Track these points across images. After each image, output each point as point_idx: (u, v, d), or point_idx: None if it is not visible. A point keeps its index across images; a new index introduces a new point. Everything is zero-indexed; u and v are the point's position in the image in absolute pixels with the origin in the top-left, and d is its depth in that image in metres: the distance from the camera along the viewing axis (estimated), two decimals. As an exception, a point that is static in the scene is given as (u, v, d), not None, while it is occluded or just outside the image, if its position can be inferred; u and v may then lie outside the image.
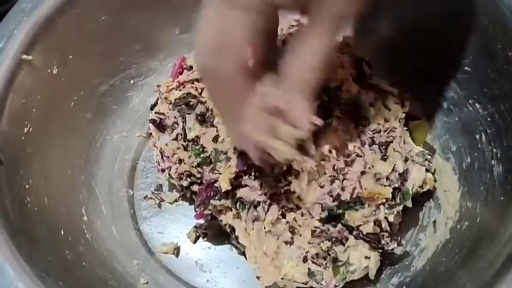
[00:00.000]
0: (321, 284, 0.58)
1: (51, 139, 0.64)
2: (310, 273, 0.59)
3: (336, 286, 0.58)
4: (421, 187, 0.62)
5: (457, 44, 0.63)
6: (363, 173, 0.60)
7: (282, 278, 0.59)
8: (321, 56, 0.44)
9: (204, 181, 0.63)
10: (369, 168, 0.60)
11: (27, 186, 0.59)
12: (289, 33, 0.69)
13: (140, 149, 0.73)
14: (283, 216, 0.60)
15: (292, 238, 0.60)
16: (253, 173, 0.59)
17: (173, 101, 0.66)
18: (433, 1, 0.65)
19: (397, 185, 0.60)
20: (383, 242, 0.60)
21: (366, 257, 0.59)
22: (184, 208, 0.69)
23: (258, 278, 0.61)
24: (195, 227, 0.65)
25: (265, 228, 0.60)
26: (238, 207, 0.60)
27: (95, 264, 0.61)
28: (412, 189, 0.61)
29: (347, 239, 0.59)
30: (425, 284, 0.58)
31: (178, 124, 0.65)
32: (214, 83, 0.47)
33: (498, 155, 0.59)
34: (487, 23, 0.60)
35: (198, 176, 0.63)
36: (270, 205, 0.60)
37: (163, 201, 0.69)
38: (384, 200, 0.59)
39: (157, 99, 0.70)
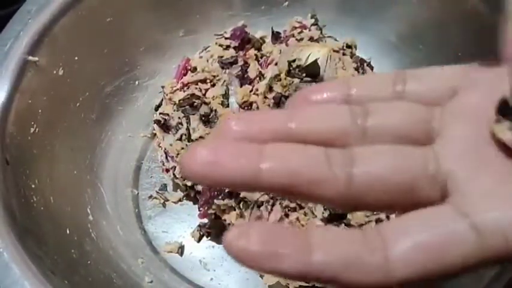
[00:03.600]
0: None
1: (57, 139, 0.64)
2: (313, 272, 0.59)
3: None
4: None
5: (458, 45, 0.64)
6: (365, 172, 0.60)
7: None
8: None
9: (208, 181, 0.63)
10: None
11: (33, 186, 0.59)
12: (292, 34, 0.69)
13: (145, 149, 0.73)
14: (286, 216, 0.60)
15: (295, 237, 0.60)
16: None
17: (177, 102, 0.67)
18: (435, 3, 0.66)
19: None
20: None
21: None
22: (188, 207, 0.69)
23: (261, 276, 0.61)
24: (199, 226, 0.66)
25: (268, 227, 0.60)
26: (241, 207, 0.61)
27: (100, 262, 0.61)
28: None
29: (349, 238, 0.59)
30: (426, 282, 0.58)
31: (182, 125, 0.66)
32: None
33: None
34: (488, 24, 0.60)
35: (202, 175, 0.64)
36: (273, 205, 0.60)
37: (167, 200, 0.69)
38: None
39: (162, 100, 0.70)
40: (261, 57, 0.69)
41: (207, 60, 0.70)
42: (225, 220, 0.62)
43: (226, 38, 0.71)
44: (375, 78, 0.33)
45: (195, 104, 0.66)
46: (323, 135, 0.30)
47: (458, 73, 0.33)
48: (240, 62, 0.68)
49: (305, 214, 0.60)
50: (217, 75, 0.68)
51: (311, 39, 0.68)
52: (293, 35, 0.69)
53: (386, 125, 0.30)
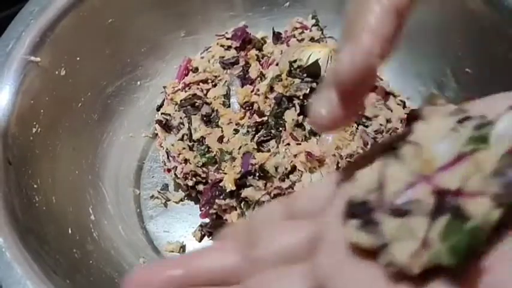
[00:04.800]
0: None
1: (59, 140, 0.64)
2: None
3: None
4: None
5: (458, 46, 0.64)
6: (365, 172, 0.60)
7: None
8: None
9: (209, 181, 0.63)
10: (372, 168, 0.60)
11: (35, 186, 0.60)
12: (293, 34, 0.70)
13: (146, 149, 0.73)
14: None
15: (296, 237, 0.60)
16: (257, 173, 0.60)
17: (179, 102, 0.67)
18: (434, 4, 0.66)
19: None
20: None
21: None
22: (189, 207, 0.69)
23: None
24: (201, 226, 0.66)
25: (269, 227, 0.60)
26: (242, 207, 0.61)
27: (102, 262, 0.61)
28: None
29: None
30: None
31: (184, 125, 0.66)
32: None
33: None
34: (488, 25, 0.60)
35: (204, 175, 0.64)
36: (274, 204, 0.60)
37: (169, 200, 0.70)
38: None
39: (163, 100, 0.70)
40: (262, 58, 0.69)
41: (209, 61, 0.70)
42: (226, 220, 0.62)
43: (227, 39, 0.71)
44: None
45: (197, 104, 0.66)
46: (216, 276, 0.33)
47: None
48: (241, 63, 0.68)
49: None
50: (219, 76, 0.68)
51: (312, 39, 0.69)
52: (294, 36, 0.70)
53: (272, 251, 0.32)
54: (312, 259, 0.31)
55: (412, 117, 0.32)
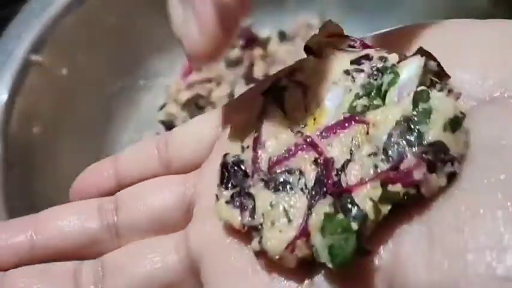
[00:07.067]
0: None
1: (61, 140, 0.64)
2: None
3: None
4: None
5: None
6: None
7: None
8: None
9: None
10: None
11: (37, 188, 0.59)
12: (298, 34, 0.69)
13: (149, 150, 0.73)
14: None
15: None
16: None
17: (182, 102, 0.67)
18: (441, 2, 0.66)
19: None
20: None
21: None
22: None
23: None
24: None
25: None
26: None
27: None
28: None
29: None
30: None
31: (187, 125, 0.66)
32: None
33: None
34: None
35: (207, 176, 0.63)
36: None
37: (172, 200, 0.69)
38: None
39: (167, 99, 0.70)
40: (267, 57, 0.69)
41: (212, 60, 0.69)
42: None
43: (231, 38, 0.70)
44: (141, 150, 0.32)
45: (200, 103, 0.66)
46: (72, 250, 0.28)
47: (213, 125, 0.30)
48: (246, 62, 0.68)
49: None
50: (223, 75, 0.68)
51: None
52: (300, 35, 0.69)
53: (137, 218, 0.28)
54: (186, 227, 0.27)
55: (308, 50, 0.26)
